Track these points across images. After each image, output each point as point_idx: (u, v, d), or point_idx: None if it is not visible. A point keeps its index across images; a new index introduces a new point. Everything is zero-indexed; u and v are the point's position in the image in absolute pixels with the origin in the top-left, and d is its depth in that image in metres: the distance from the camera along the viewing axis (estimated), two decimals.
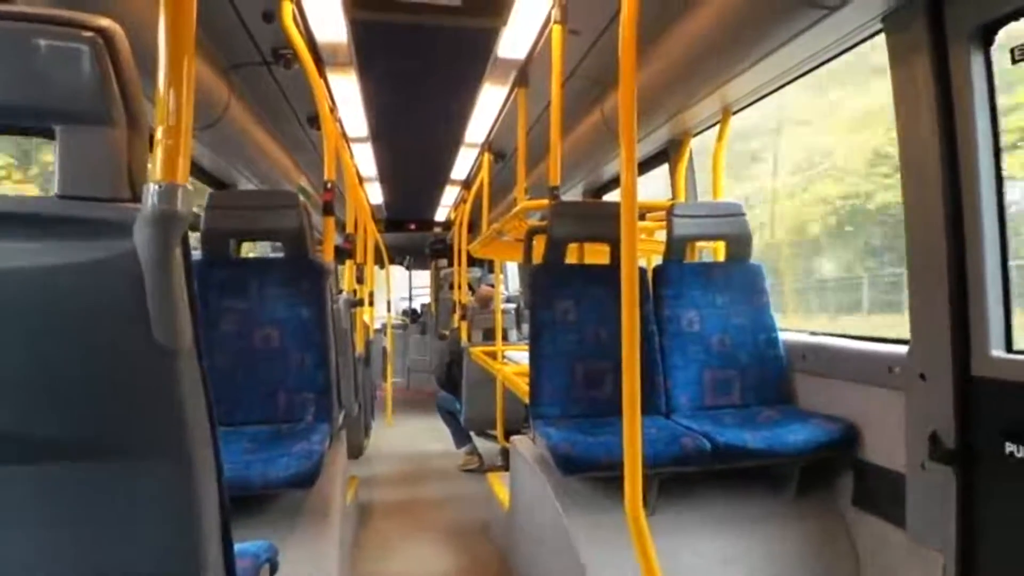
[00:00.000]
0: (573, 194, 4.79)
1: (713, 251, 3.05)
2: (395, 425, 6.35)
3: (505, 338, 4.78)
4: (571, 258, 2.80)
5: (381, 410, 6.39)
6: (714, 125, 3.08)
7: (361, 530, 3.45)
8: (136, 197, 0.80)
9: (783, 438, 2.11)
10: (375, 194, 6.95)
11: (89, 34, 0.79)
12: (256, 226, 2.52)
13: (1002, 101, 1.74)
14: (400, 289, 11.07)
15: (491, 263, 6.66)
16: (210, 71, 2.91)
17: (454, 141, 5.00)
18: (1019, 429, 1.60)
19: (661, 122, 3.08)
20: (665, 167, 3.53)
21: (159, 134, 0.80)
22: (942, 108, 1.76)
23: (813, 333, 2.62)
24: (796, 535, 2.16)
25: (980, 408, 1.72)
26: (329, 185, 3.07)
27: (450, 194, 7.27)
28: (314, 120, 4.00)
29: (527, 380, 2.56)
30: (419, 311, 9.98)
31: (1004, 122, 1.74)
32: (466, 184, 6.37)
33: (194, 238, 2.51)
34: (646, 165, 3.66)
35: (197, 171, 3.73)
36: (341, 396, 2.60)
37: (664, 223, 2.73)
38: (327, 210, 3.06)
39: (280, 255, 2.64)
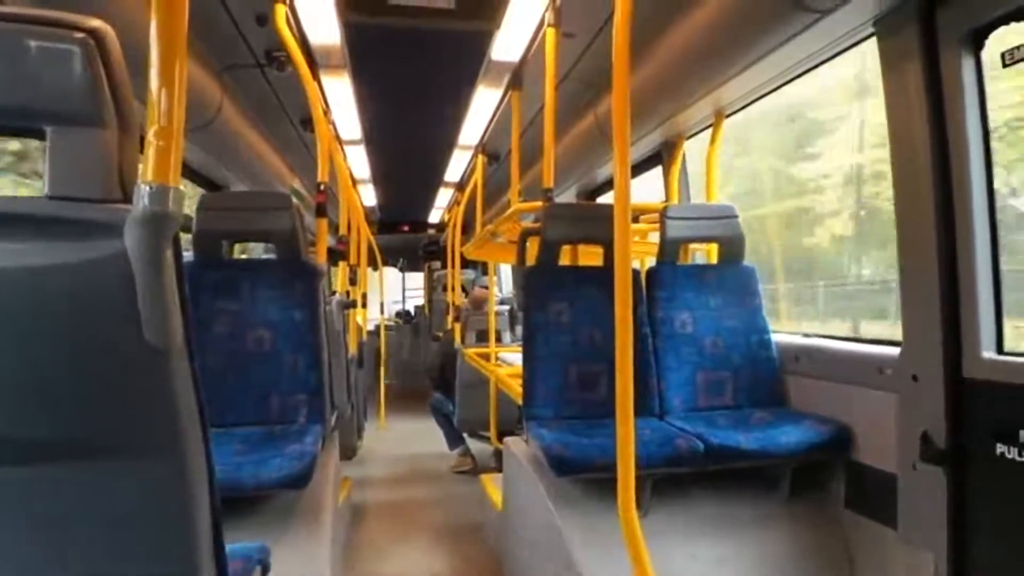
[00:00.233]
0: (567, 196, 4.79)
1: (706, 253, 3.06)
2: (388, 427, 6.34)
3: (499, 340, 4.78)
4: (564, 260, 2.81)
5: (374, 411, 6.38)
6: (707, 128, 3.09)
7: (354, 531, 3.44)
8: (127, 198, 0.80)
9: (776, 439, 2.12)
10: (369, 196, 6.95)
11: (80, 35, 0.79)
12: (249, 228, 2.51)
13: None
14: (393, 291, 11.07)
15: (485, 265, 6.66)
16: (203, 72, 2.91)
17: (448, 143, 5.00)
18: (1010, 430, 1.61)
19: (654, 125, 3.09)
20: (658, 169, 3.54)
21: (150, 135, 0.79)
22: (933, 111, 1.78)
23: (806, 335, 2.64)
24: (789, 536, 2.17)
25: (971, 409, 1.73)
26: (322, 187, 3.06)
27: (444, 196, 7.27)
28: (307, 122, 4.00)
29: (520, 382, 2.56)
30: (412, 313, 9.97)
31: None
32: (460, 186, 6.37)
33: (186, 240, 2.50)
34: (639, 168, 3.67)
35: (189, 172, 3.72)
36: (334, 397, 2.60)
37: (657, 225, 2.74)
38: (320, 212, 3.05)
39: (273, 257, 2.63)
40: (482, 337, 5.03)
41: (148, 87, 0.80)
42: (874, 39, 1.98)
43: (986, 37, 1.70)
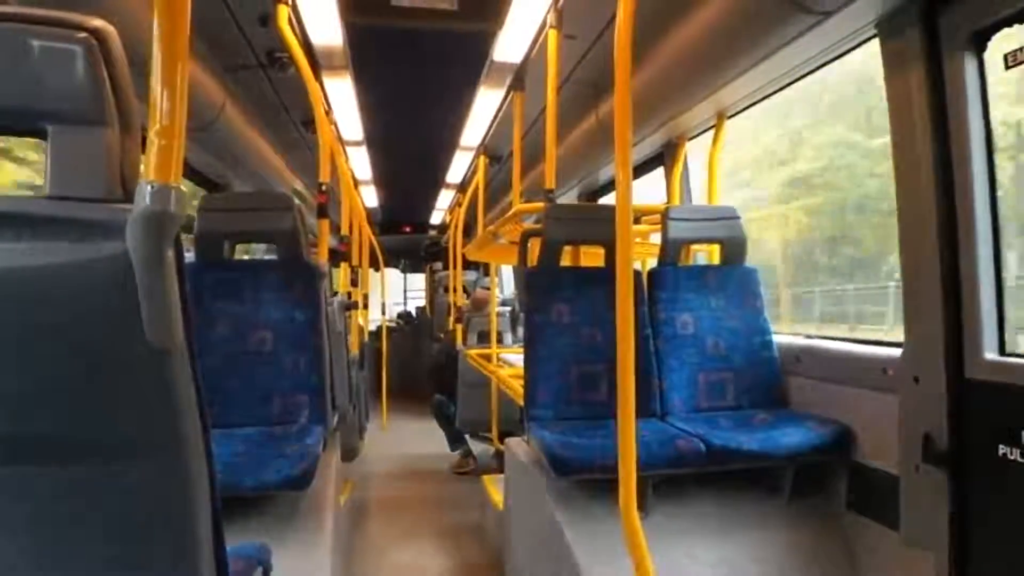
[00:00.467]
0: (568, 197, 4.79)
1: (708, 254, 3.06)
2: (389, 427, 6.34)
3: (500, 341, 4.78)
4: (566, 261, 2.81)
5: (376, 412, 6.38)
6: (709, 129, 3.09)
7: (355, 532, 3.44)
8: (128, 198, 0.80)
9: (777, 440, 2.12)
10: (370, 197, 6.95)
11: (82, 35, 0.79)
12: (250, 228, 2.52)
13: None
14: (395, 292, 11.07)
15: (486, 266, 6.67)
16: (205, 73, 2.91)
17: (450, 144, 5.01)
18: (1013, 431, 1.60)
19: (656, 126, 3.09)
20: (660, 171, 3.54)
21: (152, 134, 0.80)
22: (936, 112, 1.77)
23: (808, 336, 2.63)
24: (790, 537, 2.17)
25: (973, 411, 1.73)
26: (324, 188, 3.07)
27: (445, 197, 7.28)
28: (309, 123, 4.01)
29: (522, 382, 2.56)
30: (414, 314, 9.97)
31: None
32: (461, 187, 6.38)
33: (187, 241, 2.51)
34: (641, 169, 3.67)
35: (191, 173, 3.73)
36: (335, 398, 2.60)
37: (659, 226, 2.74)
38: (322, 213, 3.05)
39: (274, 258, 2.63)
40: (484, 338, 5.04)
41: (150, 87, 0.80)
42: (876, 41, 1.98)
43: (989, 39, 1.69)
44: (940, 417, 1.77)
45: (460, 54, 3.24)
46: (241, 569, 1.20)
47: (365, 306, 5.69)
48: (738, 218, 2.68)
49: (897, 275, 1.86)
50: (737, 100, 2.76)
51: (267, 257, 4.27)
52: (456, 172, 5.94)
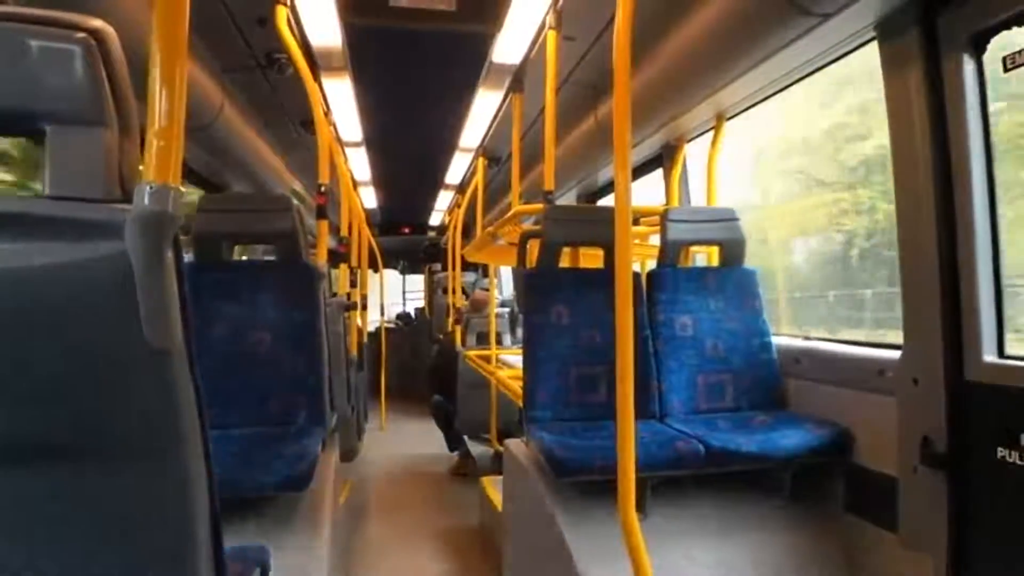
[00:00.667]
0: (567, 199, 4.80)
1: (707, 256, 3.06)
2: (388, 428, 6.34)
3: (499, 342, 4.78)
4: (565, 262, 2.81)
5: (375, 413, 6.38)
6: (708, 131, 3.10)
7: (354, 533, 3.43)
8: (127, 198, 0.80)
9: (776, 442, 2.12)
10: (369, 198, 6.95)
11: (81, 35, 0.79)
12: (249, 229, 2.51)
13: None
14: (394, 293, 11.06)
15: (485, 267, 6.67)
16: (204, 74, 2.91)
17: (449, 146, 5.01)
18: (1011, 434, 1.60)
19: (655, 128, 3.09)
20: (658, 172, 3.54)
21: (151, 135, 0.79)
22: (935, 115, 1.78)
23: (807, 338, 2.63)
24: (789, 539, 2.17)
25: (972, 413, 1.73)
26: (323, 189, 3.06)
27: (444, 198, 7.27)
28: (308, 124, 4.00)
29: (521, 384, 2.56)
30: (413, 315, 9.97)
31: None
32: (460, 188, 6.38)
33: (185, 243, 2.50)
34: (640, 170, 3.67)
35: (189, 174, 3.72)
36: (334, 399, 2.59)
37: (658, 228, 2.74)
38: (320, 214, 3.05)
39: (273, 259, 2.63)
40: (482, 339, 5.04)
41: (149, 87, 0.80)
42: (875, 43, 1.98)
43: (988, 41, 1.70)
44: (939, 419, 1.77)
45: (459, 55, 3.24)
46: (240, 570, 1.20)
47: (364, 307, 5.69)
48: (737, 219, 2.69)
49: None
50: (736, 102, 2.77)
51: (266, 258, 4.28)
52: (455, 173, 5.94)
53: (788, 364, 2.52)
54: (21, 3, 1.59)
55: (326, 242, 3.05)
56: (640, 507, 1.84)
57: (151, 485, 0.85)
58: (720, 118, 2.97)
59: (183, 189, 0.81)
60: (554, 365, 2.47)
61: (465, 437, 4.86)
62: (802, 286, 4.19)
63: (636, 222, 3.08)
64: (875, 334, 3.37)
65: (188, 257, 2.41)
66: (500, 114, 4.05)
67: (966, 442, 1.73)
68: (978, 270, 1.72)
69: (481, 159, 4.81)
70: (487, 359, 4.18)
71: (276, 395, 2.30)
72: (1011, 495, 1.61)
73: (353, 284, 5.04)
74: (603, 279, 2.38)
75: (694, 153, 3.40)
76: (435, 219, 8.60)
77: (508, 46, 3.05)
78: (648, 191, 3.71)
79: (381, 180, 6.20)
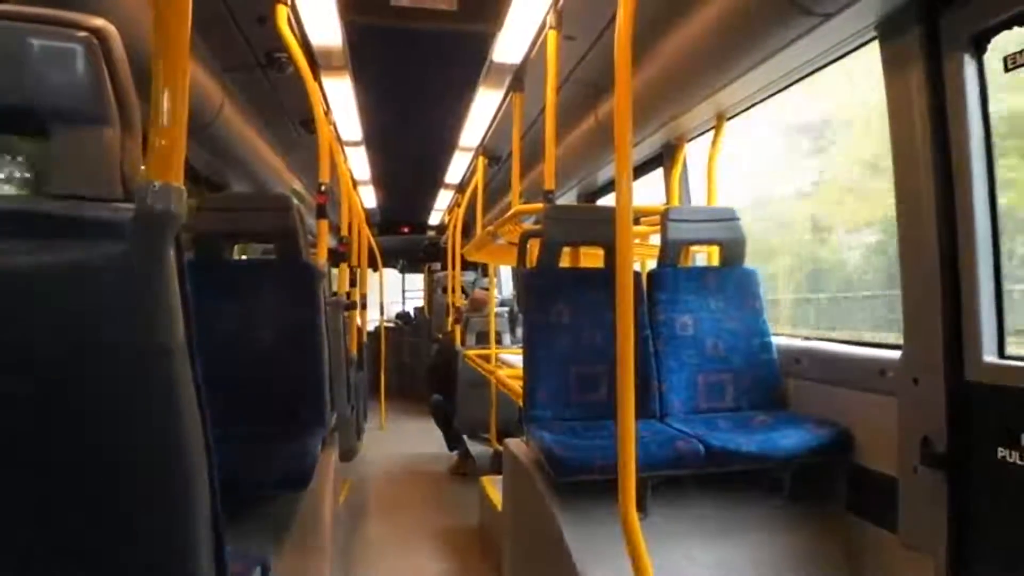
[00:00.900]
0: (568, 198, 4.80)
1: (707, 256, 3.06)
2: (388, 428, 6.34)
3: (499, 341, 4.78)
4: (565, 262, 2.80)
5: (375, 413, 6.38)
6: (709, 131, 3.10)
7: (353, 532, 3.43)
8: (129, 197, 0.80)
9: (776, 442, 2.12)
10: (369, 197, 6.95)
11: (83, 34, 0.79)
12: (249, 229, 2.51)
13: None
14: (393, 293, 11.07)
15: (485, 267, 6.67)
16: (204, 73, 2.91)
17: (449, 145, 5.01)
18: (1012, 434, 1.60)
19: (655, 127, 3.09)
20: (659, 172, 3.54)
21: (153, 134, 0.79)
22: (935, 115, 1.78)
23: (807, 338, 2.63)
24: (789, 539, 2.17)
25: (972, 413, 1.73)
26: (323, 188, 3.06)
27: (444, 198, 7.27)
28: (308, 123, 3.99)
29: (521, 383, 2.55)
30: (412, 315, 9.97)
31: None
32: (460, 188, 6.38)
33: (186, 240, 2.50)
34: (640, 170, 3.67)
35: (190, 173, 3.72)
36: (334, 399, 2.59)
37: (658, 227, 2.74)
38: (320, 213, 3.05)
39: (273, 258, 2.63)
40: (482, 339, 5.04)
41: (151, 86, 0.80)
42: (876, 43, 1.98)
43: (989, 41, 1.70)
44: (939, 419, 1.77)
45: (460, 54, 3.24)
46: (240, 569, 1.20)
47: (363, 306, 5.69)
48: (738, 219, 2.69)
49: None
50: (737, 101, 2.77)
51: (266, 257, 4.27)
52: (455, 172, 5.94)
53: (788, 364, 2.52)
54: (23, 2, 1.59)
55: (326, 241, 3.05)
56: (640, 507, 1.84)
57: (152, 484, 0.85)
58: (721, 118, 2.97)
59: (183, 187, 0.81)
60: (554, 364, 2.47)
61: (465, 436, 4.86)
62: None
63: (636, 221, 3.08)
64: None
65: (188, 256, 2.41)
66: (500, 113, 4.05)
67: (966, 442, 1.73)
68: (978, 270, 1.72)
69: (481, 158, 4.81)
70: (487, 358, 4.18)
71: (276, 394, 2.30)
72: (1011, 495, 1.61)
73: (353, 283, 5.03)
74: (603, 278, 2.38)
75: (694, 152, 3.41)
76: (435, 218, 8.60)
77: (509, 45, 3.05)
78: (648, 191, 3.71)
79: (381, 179, 6.20)
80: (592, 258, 2.91)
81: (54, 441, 0.81)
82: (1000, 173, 1.75)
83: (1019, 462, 1.59)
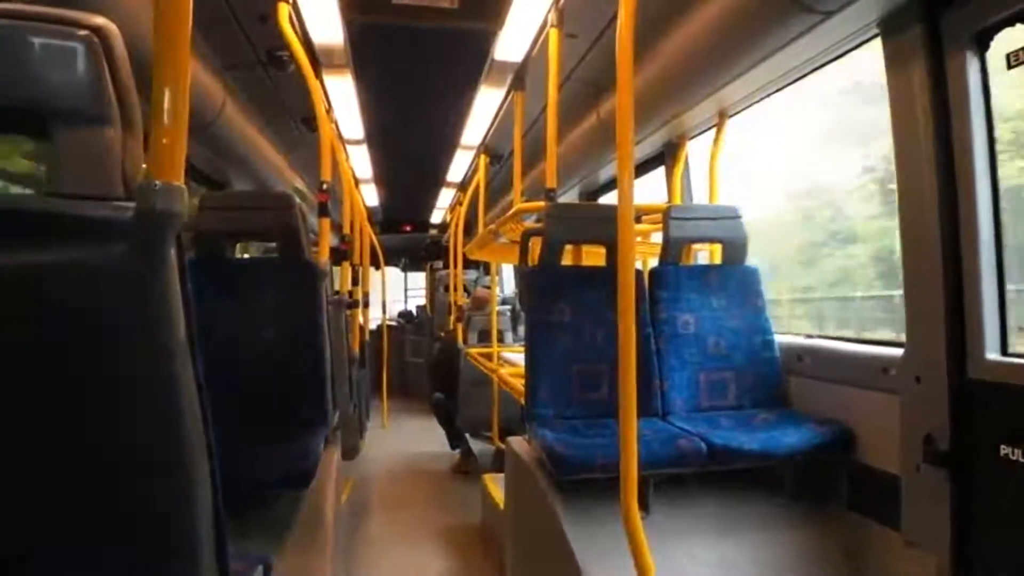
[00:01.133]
0: (569, 196, 4.79)
1: (709, 254, 3.06)
2: (390, 426, 6.35)
3: (501, 340, 4.78)
4: (567, 260, 2.80)
5: (377, 411, 6.38)
6: (711, 128, 3.09)
7: (355, 531, 3.44)
8: (130, 196, 0.80)
9: (778, 440, 2.12)
10: (371, 196, 6.95)
11: (84, 33, 0.79)
12: (251, 227, 2.52)
13: None
14: (395, 291, 11.07)
15: (487, 265, 6.67)
16: (205, 72, 2.91)
17: (450, 143, 5.00)
18: (1015, 432, 1.60)
19: (657, 125, 3.09)
20: (661, 170, 3.53)
21: (154, 133, 0.79)
22: (938, 112, 1.77)
23: (809, 336, 2.63)
24: (791, 537, 2.16)
25: (975, 411, 1.72)
26: (324, 186, 3.06)
27: (446, 196, 7.27)
28: (310, 121, 4.00)
29: (523, 381, 2.55)
30: (414, 313, 9.98)
31: None
32: (462, 186, 6.37)
33: (187, 239, 2.50)
34: (642, 168, 3.66)
35: (191, 171, 3.72)
36: (336, 397, 2.59)
37: (660, 226, 2.74)
38: (322, 211, 3.05)
39: (275, 256, 2.63)
40: (484, 337, 5.04)
41: (152, 85, 0.80)
42: (879, 40, 1.97)
43: (991, 38, 1.69)
44: (942, 417, 1.77)
45: (461, 52, 3.24)
46: (242, 568, 1.20)
47: (366, 305, 5.70)
48: (739, 217, 2.68)
49: None
50: (739, 99, 2.76)
51: (268, 256, 4.27)
52: (457, 171, 5.93)
53: (790, 362, 2.52)
54: (24, 0, 1.59)
55: (328, 240, 3.05)
56: (642, 505, 1.84)
57: (153, 484, 0.85)
58: (722, 116, 2.96)
59: (184, 186, 0.81)
60: (556, 362, 2.47)
61: (467, 435, 4.86)
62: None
63: (638, 220, 3.08)
64: None
65: (189, 255, 2.41)
66: (502, 112, 4.04)
67: (969, 440, 1.72)
68: (981, 268, 1.72)
69: (483, 157, 4.81)
70: (489, 356, 4.18)
71: (278, 393, 2.30)
72: (1014, 493, 1.61)
73: (355, 282, 5.03)
74: (605, 277, 2.38)
75: (695, 151, 3.40)
76: (437, 217, 8.60)
77: (510, 44, 3.05)
78: (650, 189, 3.71)
79: (383, 178, 6.19)
80: (594, 256, 2.91)
81: (55, 441, 0.81)
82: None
83: (1022, 460, 1.58)
